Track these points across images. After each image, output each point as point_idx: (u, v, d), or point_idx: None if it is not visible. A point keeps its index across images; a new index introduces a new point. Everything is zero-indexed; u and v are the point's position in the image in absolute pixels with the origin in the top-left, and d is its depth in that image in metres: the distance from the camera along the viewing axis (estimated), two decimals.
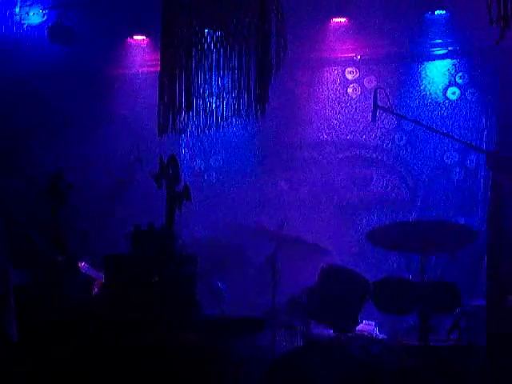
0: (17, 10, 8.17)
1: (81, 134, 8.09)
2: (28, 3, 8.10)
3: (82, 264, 6.63)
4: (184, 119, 4.27)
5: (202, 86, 4.21)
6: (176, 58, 4.31)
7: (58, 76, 8.14)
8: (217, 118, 4.20)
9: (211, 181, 8.14)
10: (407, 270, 6.88)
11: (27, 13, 8.16)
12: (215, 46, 4.13)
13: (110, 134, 8.08)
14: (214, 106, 4.21)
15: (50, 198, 6.00)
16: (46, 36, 8.04)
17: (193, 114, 4.25)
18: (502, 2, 3.46)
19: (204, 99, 4.22)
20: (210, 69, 4.19)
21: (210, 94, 4.23)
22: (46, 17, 8.15)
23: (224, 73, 4.17)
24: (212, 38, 4.17)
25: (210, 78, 4.21)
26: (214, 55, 4.17)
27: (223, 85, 4.17)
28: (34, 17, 8.16)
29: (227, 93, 4.17)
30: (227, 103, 4.17)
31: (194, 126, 4.30)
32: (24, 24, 8.21)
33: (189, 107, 4.21)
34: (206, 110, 4.22)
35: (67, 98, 8.10)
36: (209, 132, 4.30)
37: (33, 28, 8.17)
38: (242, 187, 7.95)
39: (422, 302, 5.91)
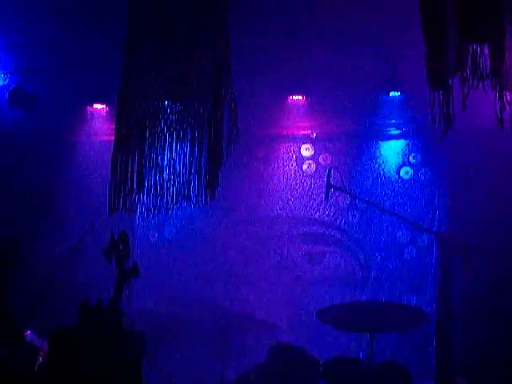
0: None
1: (38, 200, 8.05)
2: None
3: (27, 332, 6.50)
4: (134, 199, 4.29)
5: (154, 167, 4.25)
6: (130, 138, 4.35)
7: (16, 141, 8.13)
8: (167, 200, 4.24)
9: (164, 253, 8.09)
10: (358, 350, 6.87)
11: None
12: (169, 129, 4.20)
13: (66, 201, 8.06)
14: (164, 188, 4.25)
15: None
16: (6, 100, 8.04)
17: (143, 195, 4.27)
18: (445, 102, 3.60)
19: (155, 181, 4.25)
20: (163, 151, 4.24)
21: (162, 177, 4.27)
22: (7, 81, 8.15)
23: (176, 156, 4.22)
24: (166, 121, 4.23)
25: (162, 160, 4.26)
26: (167, 138, 4.23)
27: (175, 168, 4.22)
28: None
29: (178, 176, 4.22)
30: (178, 186, 4.21)
31: (144, 207, 4.32)
32: None
33: (140, 188, 4.24)
34: (157, 191, 4.25)
35: (25, 163, 8.09)
36: (158, 213, 4.32)
37: None
38: (195, 260, 7.93)
39: (372, 383, 5.88)
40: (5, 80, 8.18)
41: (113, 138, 4.57)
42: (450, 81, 3.72)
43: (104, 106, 8.30)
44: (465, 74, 3.67)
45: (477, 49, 3.71)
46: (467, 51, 3.70)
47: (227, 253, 7.93)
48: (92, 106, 8.36)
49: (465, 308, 6.59)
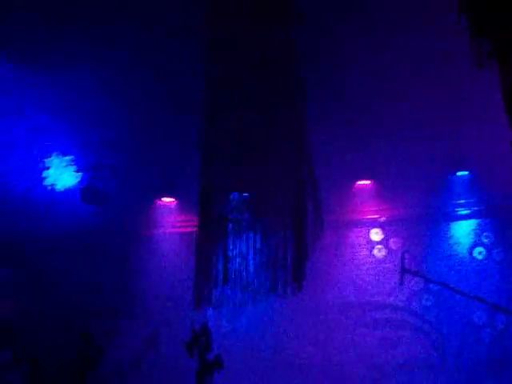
0: (51, 171, 8.42)
1: (112, 295, 8.14)
2: (62, 165, 8.36)
3: None
4: (220, 293, 4.32)
5: (239, 260, 4.28)
6: (213, 231, 4.42)
7: (89, 238, 8.30)
8: (254, 293, 4.24)
9: (236, 344, 7.98)
10: None
11: (61, 174, 8.40)
12: (253, 221, 4.24)
13: (140, 295, 8.15)
14: (250, 281, 4.26)
15: (78, 363, 5.97)
16: (79, 197, 8.25)
17: (229, 289, 4.29)
18: None
19: (240, 274, 4.28)
20: (247, 243, 4.28)
21: (247, 269, 4.30)
22: (79, 178, 8.39)
23: (262, 249, 4.25)
24: (249, 212, 4.28)
25: (247, 252, 4.29)
26: (250, 230, 4.27)
27: (260, 260, 4.24)
28: (68, 178, 8.40)
29: (263, 268, 4.23)
30: (264, 279, 4.22)
31: (230, 301, 4.33)
32: (57, 185, 8.44)
33: (226, 280, 4.26)
34: (242, 284, 4.26)
35: (98, 258, 8.24)
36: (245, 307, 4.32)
37: (66, 189, 8.39)
38: (269, 351, 7.83)
39: None
40: (77, 177, 8.42)
41: (183, 230, 4.62)
42: None
43: (173, 199, 8.46)
44: None
45: None
46: None
47: (300, 342, 7.82)
48: (161, 199, 8.53)
49: None
